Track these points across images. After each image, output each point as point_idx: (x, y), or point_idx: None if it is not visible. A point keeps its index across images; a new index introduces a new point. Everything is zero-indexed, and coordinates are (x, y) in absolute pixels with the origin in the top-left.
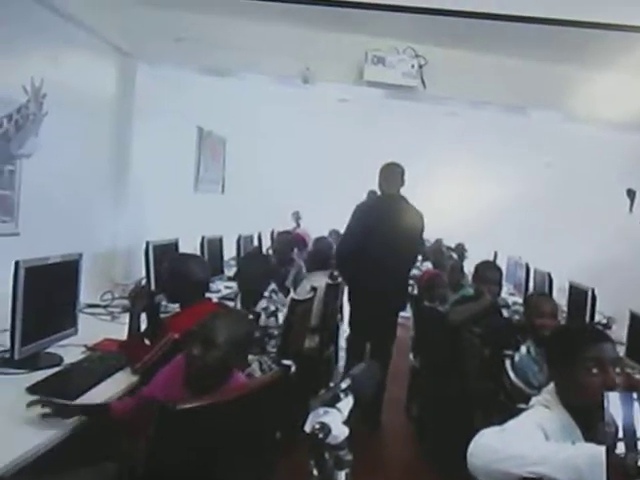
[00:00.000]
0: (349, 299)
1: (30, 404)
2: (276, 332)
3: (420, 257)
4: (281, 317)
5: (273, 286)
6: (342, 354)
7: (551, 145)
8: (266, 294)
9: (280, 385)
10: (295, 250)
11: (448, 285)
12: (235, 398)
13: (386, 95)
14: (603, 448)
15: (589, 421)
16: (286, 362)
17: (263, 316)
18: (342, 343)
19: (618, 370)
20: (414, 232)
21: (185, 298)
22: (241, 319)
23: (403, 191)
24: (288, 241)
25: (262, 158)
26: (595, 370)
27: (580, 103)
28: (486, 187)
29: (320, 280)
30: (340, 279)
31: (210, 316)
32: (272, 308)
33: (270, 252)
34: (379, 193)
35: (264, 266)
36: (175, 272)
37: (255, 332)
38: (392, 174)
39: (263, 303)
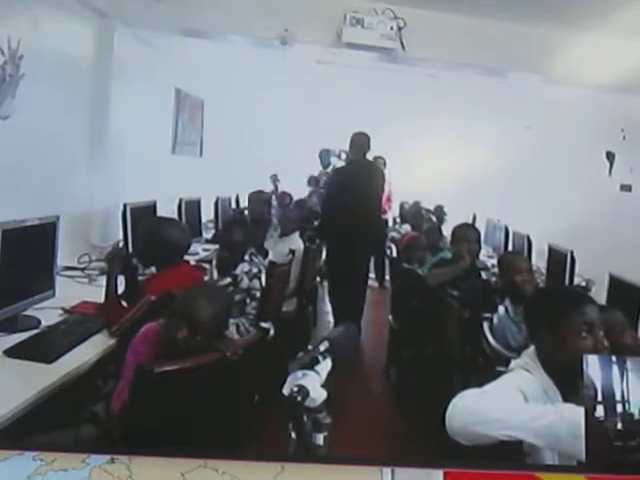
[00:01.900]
0: (328, 251)
1: None
2: (259, 294)
3: (399, 219)
4: (264, 279)
5: (251, 249)
6: (322, 317)
7: (531, 108)
8: (246, 257)
9: (259, 348)
10: (274, 210)
11: (427, 247)
12: (214, 360)
13: (365, 57)
14: (582, 414)
15: (570, 385)
16: (265, 325)
17: (245, 279)
18: (321, 306)
19: (602, 333)
20: (377, 183)
21: (159, 262)
22: (221, 293)
23: (381, 153)
24: (263, 201)
25: (240, 120)
26: (584, 333)
27: (559, 65)
28: (466, 150)
29: (298, 242)
30: (317, 241)
31: (192, 295)
32: (255, 270)
33: (246, 213)
34: (350, 157)
35: (244, 232)
36: (150, 237)
37: (233, 299)
38: (359, 142)
39: (245, 266)
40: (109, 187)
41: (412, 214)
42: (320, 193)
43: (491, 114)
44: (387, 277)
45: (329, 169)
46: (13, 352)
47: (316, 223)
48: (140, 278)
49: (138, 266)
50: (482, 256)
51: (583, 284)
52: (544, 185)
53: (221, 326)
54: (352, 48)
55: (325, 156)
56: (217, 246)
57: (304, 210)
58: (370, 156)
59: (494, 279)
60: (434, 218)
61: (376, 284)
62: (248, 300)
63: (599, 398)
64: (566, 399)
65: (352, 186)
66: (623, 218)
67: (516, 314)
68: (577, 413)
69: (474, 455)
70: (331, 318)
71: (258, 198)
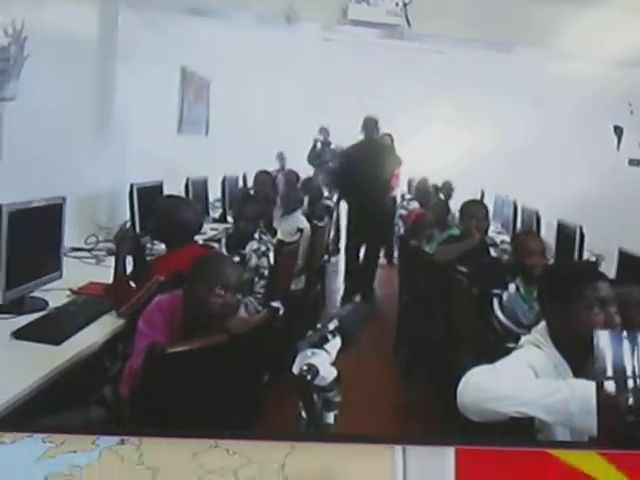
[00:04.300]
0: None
1: None
2: (267, 272)
3: (408, 196)
4: (272, 257)
5: (261, 227)
6: (330, 295)
7: (538, 82)
8: (255, 235)
9: (269, 327)
10: (281, 187)
11: (435, 224)
12: (225, 340)
13: (371, 34)
14: (594, 390)
15: (581, 360)
16: (274, 304)
17: (254, 257)
18: (329, 284)
19: (615, 309)
20: (386, 161)
21: (170, 240)
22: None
23: (389, 130)
24: (268, 181)
25: (246, 99)
26: (596, 309)
27: (566, 39)
28: (473, 125)
29: (302, 220)
30: (325, 220)
31: (214, 257)
32: (263, 248)
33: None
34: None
35: (256, 207)
36: (165, 215)
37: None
38: (368, 125)
39: (254, 244)
40: (115, 167)
41: (419, 191)
42: (326, 170)
43: (499, 89)
44: (395, 254)
45: (332, 146)
46: (21, 334)
47: (325, 202)
48: (148, 258)
49: (146, 246)
50: (491, 232)
51: (592, 259)
52: (552, 160)
53: (244, 289)
54: (358, 25)
55: (324, 133)
56: (225, 225)
57: (310, 190)
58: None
59: (505, 256)
60: (442, 195)
61: (384, 261)
62: (256, 279)
63: (610, 374)
64: (577, 375)
65: (359, 164)
66: (632, 192)
67: (527, 292)
68: (589, 389)
69: (485, 431)
70: (339, 296)
71: (263, 179)
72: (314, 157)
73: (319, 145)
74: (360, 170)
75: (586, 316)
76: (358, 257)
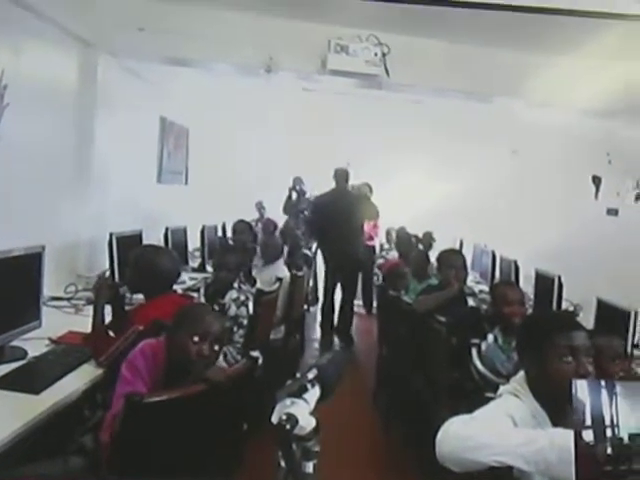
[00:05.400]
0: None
1: None
2: (246, 322)
3: (386, 246)
4: (252, 306)
5: (240, 277)
6: (309, 344)
7: (516, 132)
8: (235, 285)
9: (248, 376)
10: (260, 237)
11: (411, 274)
12: (204, 390)
13: (350, 84)
14: (572, 439)
15: (559, 409)
16: (254, 353)
17: (233, 306)
18: (308, 333)
19: (590, 359)
20: (356, 205)
21: (149, 290)
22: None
23: (367, 179)
24: (246, 230)
25: (226, 148)
26: (568, 358)
27: (543, 90)
28: (452, 175)
29: (283, 270)
30: (304, 269)
31: (199, 308)
32: (242, 298)
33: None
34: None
35: (237, 257)
36: (143, 265)
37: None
38: (340, 176)
39: (233, 294)
40: (94, 217)
41: (399, 239)
42: (301, 219)
43: (477, 139)
44: (375, 304)
45: (307, 195)
46: (0, 383)
47: (304, 251)
48: (127, 307)
49: (125, 295)
50: (470, 282)
51: (571, 309)
52: (531, 209)
53: (225, 341)
54: (337, 75)
55: (299, 183)
56: (204, 275)
57: (288, 238)
58: (357, 183)
59: (484, 306)
60: (421, 245)
61: (363, 311)
62: (235, 328)
63: (588, 423)
64: (555, 424)
65: (329, 213)
66: (610, 242)
67: (505, 342)
68: (567, 438)
69: None
70: (318, 345)
71: (241, 227)
72: (290, 207)
73: (294, 195)
74: (330, 219)
75: (558, 365)
76: (333, 303)
